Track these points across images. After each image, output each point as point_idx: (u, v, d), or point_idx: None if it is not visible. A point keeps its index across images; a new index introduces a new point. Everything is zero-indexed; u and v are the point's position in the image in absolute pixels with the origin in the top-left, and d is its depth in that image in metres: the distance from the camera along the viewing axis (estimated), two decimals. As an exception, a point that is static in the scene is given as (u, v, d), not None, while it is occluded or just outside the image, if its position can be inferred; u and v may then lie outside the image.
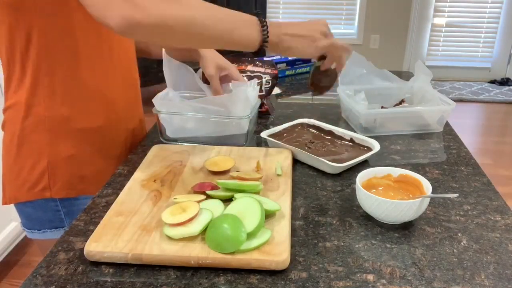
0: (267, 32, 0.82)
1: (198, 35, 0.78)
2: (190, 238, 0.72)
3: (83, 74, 0.94)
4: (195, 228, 0.73)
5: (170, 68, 1.16)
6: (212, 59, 1.12)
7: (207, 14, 0.78)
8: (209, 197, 0.83)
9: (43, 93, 0.92)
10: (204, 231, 0.73)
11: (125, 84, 1.06)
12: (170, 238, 0.72)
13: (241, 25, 0.81)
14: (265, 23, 0.83)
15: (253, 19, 0.83)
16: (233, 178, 0.88)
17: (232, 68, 1.15)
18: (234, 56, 1.30)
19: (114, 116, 1.03)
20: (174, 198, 0.82)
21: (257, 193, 0.85)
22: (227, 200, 0.82)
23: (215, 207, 0.79)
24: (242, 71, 1.30)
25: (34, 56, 0.89)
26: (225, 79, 1.15)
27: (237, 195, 0.82)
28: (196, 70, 1.20)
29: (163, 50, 1.16)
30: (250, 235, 0.71)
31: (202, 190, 0.85)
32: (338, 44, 0.92)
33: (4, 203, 1.03)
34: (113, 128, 1.04)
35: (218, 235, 0.70)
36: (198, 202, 0.79)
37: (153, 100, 1.08)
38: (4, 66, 0.93)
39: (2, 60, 0.93)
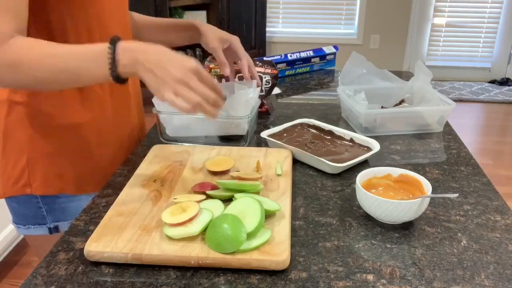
0: (115, 64, 0.76)
1: (50, 87, 0.83)
2: (190, 238, 0.72)
3: None
4: (195, 228, 0.73)
5: None
6: (213, 33, 1.12)
7: (48, 71, 0.78)
8: (209, 197, 0.84)
9: (24, 90, 0.92)
10: (204, 231, 0.73)
11: (116, 87, 1.03)
12: (170, 238, 0.72)
13: (87, 65, 0.78)
14: (112, 52, 0.76)
15: (102, 51, 0.77)
16: (233, 178, 0.89)
17: (233, 38, 1.15)
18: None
19: (104, 115, 1.01)
20: (174, 198, 0.82)
21: (257, 193, 0.85)
22: (227, 200, 0.82)
23: (215, 207, 0.79)
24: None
25: None
26: (228, 53, 1.14)
27: (237, 195, 0.82)
28: None
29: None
30: (250, 235, 0.71)
31: (202, 190, 0.85)
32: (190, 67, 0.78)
33: None
34: (103, 128, 1.01)
35: (218, 235, 0.70)
36: (198, 202, 0.79)
37: (153, 100, 1.08)
38: None
39: None
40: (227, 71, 1.10)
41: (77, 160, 1.00)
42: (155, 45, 0.79)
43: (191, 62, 0.78)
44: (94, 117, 0.99)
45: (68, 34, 0.90)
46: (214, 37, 1.12)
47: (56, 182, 0.99)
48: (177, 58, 0.78)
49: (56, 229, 1.02)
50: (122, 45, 0.77)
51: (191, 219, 0.74)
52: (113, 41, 0.77)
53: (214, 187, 0.86)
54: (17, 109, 0.94)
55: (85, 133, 0.99)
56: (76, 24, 0.90)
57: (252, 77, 1.14)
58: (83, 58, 0.78)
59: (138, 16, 1.20)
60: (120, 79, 0.78)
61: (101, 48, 0.77)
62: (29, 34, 0.84)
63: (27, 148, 0.96)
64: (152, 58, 0.76)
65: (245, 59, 1.14)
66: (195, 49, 4.02)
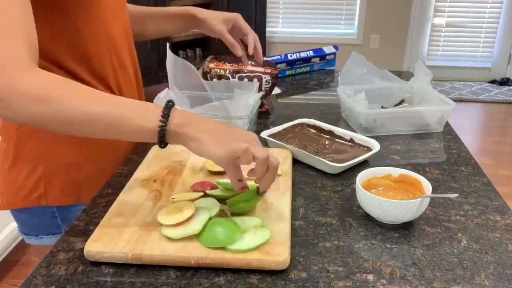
0: (165, 122, 0.70)
1: (80, 129, 0.71)
2: (190, 238, 0.72)
3: (80, 81, 0.92)
4: (195, 227, 0.73)
5: (173, 65, 1.16)
6: (215, 18, 1.10)
7: (83, 109, 0.69)
8: (207, 195, 0.83)
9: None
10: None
11: (127, 90, 1.04)
12: (170, 238, 0.72)
13: (134, 113, 0.71)
14: (167, 110, 0.70)
15: (153, 107, 0.72)
16: None
17: (238, 16, 1.13)
18: (233, 56, 1.30)
19: None
20: (172, 198, 0.82)
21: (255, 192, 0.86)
22: (222, 200, 0.83)
23: (211, 205, 0.79)
24: (241, 71, 1.30)
25: None
26: (233, 32, 1.13)
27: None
28: (197, 69, 1.20)
29: (167, 46, 1.16)
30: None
31: (201, 189, 0.85)
32: (262, 155, 0.72)
33: (0, 209, 1.01)
34: None
35: (213, 232, 0.71)
36: (195, 199, 0.79)
37: (154, 101, 1.08)
38: None
39: None
40: (239, 52, 1.10)
41: (92, 168, 0.98)
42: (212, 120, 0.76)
43: (249, 132, 0.75)
44: None
45: (73, 38, 0.89)
46: (218, 20, 1.09)
47: (72, 192, 0.98)
48: (231, 127, 0.75)
49: None
50: (177, 109, 0.72)
51: (189, 219, 0.74)
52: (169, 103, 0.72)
53: (214, 187, 0.86)
54: None
55: (98, 140, 0.97)
56: (80, 28, 0.89)
57: (256, 53, 1.14)
58: (131, 106, 0.71)
59: (129, 7, 1.14)
60: (164, 140, 0.71)
61: (152, 105, 0.73)
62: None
63: (44, 159, 0.94)
64: (206, 122, 0.73)
65: (251, 34, 1.13)
66: (195, 48, 4.02)
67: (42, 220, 0.99)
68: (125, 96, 1.02)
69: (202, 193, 0.83)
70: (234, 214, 0.80)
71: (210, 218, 0.75)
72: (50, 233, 1.01)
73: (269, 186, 0.78)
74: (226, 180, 0.85)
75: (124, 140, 0.77)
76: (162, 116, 0.69)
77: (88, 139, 0.94)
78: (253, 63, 1.28)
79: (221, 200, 0.82)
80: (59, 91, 0.69)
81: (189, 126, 0.71)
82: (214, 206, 0.79)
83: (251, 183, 0.82)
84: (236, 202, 0.79)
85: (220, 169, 0.94)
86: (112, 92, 0.99)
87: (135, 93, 1.09)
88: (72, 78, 0.88)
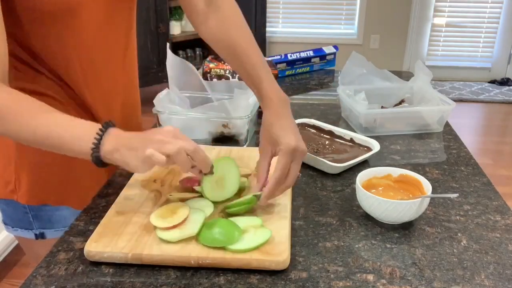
0: (98, 149, 0.72)
1: (31, 145, 0.76)
2: (189, 238, 0.72)
3: (51, 83, 0.92)
4: (192, 228, 0.73)
5: (173, 65, 1.16)
6: (266, 129, 0.85)
7: (29, 131, 0.74)
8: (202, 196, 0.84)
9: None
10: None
11: (106, 99, 1.00)
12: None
13: (70, 137, 0.74)
14: (99, 138, 0.72)
15: (88, 131, 0.74)
16: None
17: (284, 147, 0.80)
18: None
19: None
20: (170, 195, 0.82)
21: (243, 190, 0.86)
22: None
23: (204, 205, 0.79)
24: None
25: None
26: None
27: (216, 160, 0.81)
28: (197, 69, 1.20)
29: (167, 46, 1.16)
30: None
31: (190, 185, 0.86)
32: (170, 150, 0.71)
33: None
34: None
35: (213, 232, 0.71)
36: (186, 199, 0.80)
37: (154, 101, 1.08)
38: None
39: None
40: (255, 188, 0.83)
41: (61, 172, 0.98)
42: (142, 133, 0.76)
43: (171, 127, 0.74)
44: None
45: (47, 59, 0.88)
46: (265, 137, 0.85)
47: (39, 192, 0.97)
48: (151, 131, 0.75)
49: (42, 236, 1.00)
50: (112, 132, 0.74)
51: (184, 221, 0.74)
52: (106, 125, 0.74)
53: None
54: None
55: None
56: (53, 51, 0.88)
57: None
58: (71, 129, 0.75)
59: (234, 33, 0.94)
60: (100, 162, 0.73)
61: (90, 125, 0.75)
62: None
63: (15, 156, 0.95)
64: (133, 140, 0.73)
65: (278, 173, 0.79)
66: (195, 48, 4.03)
67: (16, 213, 1.00)
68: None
69: (199, 194, 0.83)
70: (231, 215, 0.80)
71: (205, 218, 0.75)
72: (23, 227, 1.01)
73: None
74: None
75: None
76: (94, 144, 0.72)
77: None
78: None
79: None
80: (8, 110, 0.73)
81: (118, 152, 0.72)
82: (208, 206, 0.79)
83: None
84: (233, 206, 0.79)
85: None
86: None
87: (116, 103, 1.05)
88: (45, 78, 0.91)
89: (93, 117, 0.98)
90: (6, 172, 0.96)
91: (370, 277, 0.69)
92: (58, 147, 0.75)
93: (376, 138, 1.10)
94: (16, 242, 2.13)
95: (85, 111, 0.97)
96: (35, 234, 1.01)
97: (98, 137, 0.73)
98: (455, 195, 0.79)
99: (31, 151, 0.92)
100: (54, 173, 0.98)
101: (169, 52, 1.15)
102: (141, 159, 0.71)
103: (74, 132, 0.74)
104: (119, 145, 0.73)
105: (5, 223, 1.04)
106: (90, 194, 0.92)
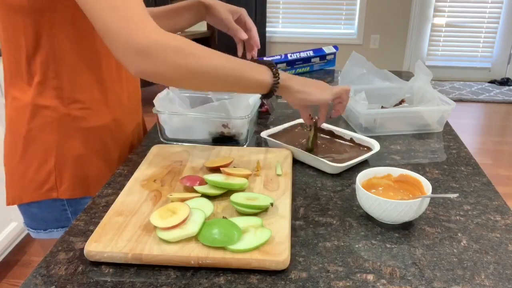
0: (278, 77, 0.89)
1: (212, 82, 0.83)
2: (189, 238, 0.72)
3: (91, 76, 0.94)
4: (192, 228, 0.73)
5: None
6: (221, 5, 1.17)
7: (219, 63, 0.82)
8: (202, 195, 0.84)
9: (50, 95, 0.92)
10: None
11: (130, 84, 1.06)
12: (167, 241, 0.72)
13: (252, 69, 0.87)
14: (275, 69, 0.90)
15: (264, 66, 0.90)
16: (224, 173, 0.89)
17: (243, 10, 1.19)
18: (233, 55, 1.31)
19: (119, 116, 1.03)
20: (170, 195, 0.82)
21: (243, 190, 0.86)
22: (216, 197, 0.84)
23: (203, 205, 0.79)
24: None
25: (42, 58, 0.89)
26: (238, 24, 1.18)
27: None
28: None
29: None
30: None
31: (190, 184, 0.86)
32: (346, 88, 1.01)
33: (8, 204, 1.02)
34: (117, 129, 1.03)
35: (213, 232, 0.71)
36: (186, 199, 0.80)
37: (154, 101, 1.08)
38: (6, 67, 0.93)
39: (4, 61, 0.92)
40: (243, 35, 1.16)
41: (100, 162, 1.01)
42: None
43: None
44: (114, 118, 1.01)
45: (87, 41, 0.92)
46: (224, 8, 1.17)
47: (82, 185, 1.00)
48: (315, 80, 0.98)
49: None
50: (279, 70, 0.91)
51: (184, 220, 0.74)
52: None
53: (202, 182, 0.87)
54: (43, 113, 0.93)
55: (105, 134, 1.00)
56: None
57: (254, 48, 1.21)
58: (249, 64, 0.87)
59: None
60: (273, 92, 0.90)
61: (262, 65, 0.90)
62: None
63: (55, 152, 0.95)
64: (300, 79, 0.95)
65: (254, 29, 1.20)
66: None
67: (52, 213, 1.00)
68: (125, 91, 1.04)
69: (200, 194, 0.83)
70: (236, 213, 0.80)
71: (205, 218, 0.75)
72: (59, 226, 1.02)
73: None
74: (214, 177, 0.85)
75: (236, 92, 0.94)
76: (274, 74, 0.89)
77: (95, 132, 0.97)
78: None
79: (211, 197, 0.83)
80: (192, 47, 0.79)
81: (292, 81, 0.92)
82: (207, 206, 0.79)
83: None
84: (246, 207, 0.79)
85: (218, 164, 0.94)
86: (123, 89, 1.03)
87: (136, 92, 1.10)
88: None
89: (97, 113, 0.99)
90: (41, 172, 0.97)
91: (370, 277, 0.69)
92: (241, 78, 0.85)
93: (376, 138, 1.10)
94: (16, 242, 2.14)
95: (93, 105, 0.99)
96: None
97: (274, 70, 0.89)
98: (455, 195, 0.79)
99: (72, 144, 0.97)
100: (94, 164, 1.00)
101: None
102: (329, 92, 0.96)
103: (253, 65, 0.88)
104: (291, 77, 0.92)
105: (33, 229, 1.04)
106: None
